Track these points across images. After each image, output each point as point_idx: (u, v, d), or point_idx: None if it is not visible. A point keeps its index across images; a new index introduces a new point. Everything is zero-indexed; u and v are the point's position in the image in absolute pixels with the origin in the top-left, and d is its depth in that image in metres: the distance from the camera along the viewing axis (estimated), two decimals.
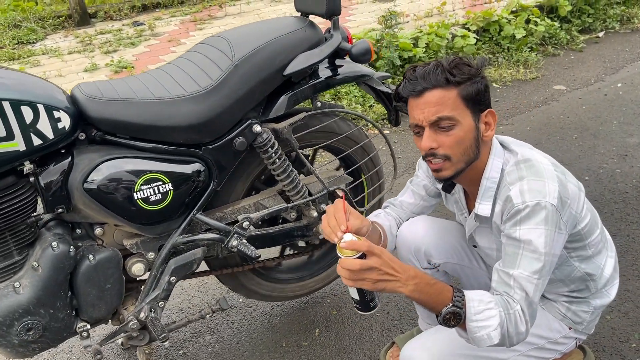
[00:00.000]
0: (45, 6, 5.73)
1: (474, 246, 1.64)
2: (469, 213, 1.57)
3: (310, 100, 1.83)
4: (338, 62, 1.88)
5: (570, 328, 1.57)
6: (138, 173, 1.56)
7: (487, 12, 5.01)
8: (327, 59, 1.84)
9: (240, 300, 2.31)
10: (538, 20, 5.24)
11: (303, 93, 1.78)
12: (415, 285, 1.20)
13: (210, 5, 6.15)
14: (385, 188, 2.15)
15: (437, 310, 1.24)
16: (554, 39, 5.30)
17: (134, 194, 1.55)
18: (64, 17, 5.40)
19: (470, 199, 1.57)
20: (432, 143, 1.34)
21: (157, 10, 6.00)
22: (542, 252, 1.29)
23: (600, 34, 5.61)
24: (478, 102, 1.33)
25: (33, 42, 4.89)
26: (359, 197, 2.04)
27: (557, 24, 5.38)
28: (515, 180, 1.35)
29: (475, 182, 1.44)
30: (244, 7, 6.09)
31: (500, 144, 1.45)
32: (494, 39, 5.05)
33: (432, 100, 1.31)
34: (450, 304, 1.22)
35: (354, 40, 1.88)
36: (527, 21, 5.24)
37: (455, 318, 1.23)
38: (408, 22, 5.23)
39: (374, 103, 3.98)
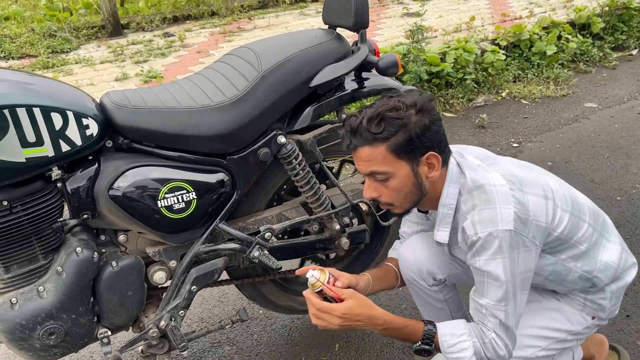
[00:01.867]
0: (80, 17, 5.87)
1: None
2: None
3: (335, 113, 1.82)
4: (365, 75, 1.87)
5: (593, 317, 1.55)
6: (162, 181, 1.57)
7: (518, 28, 4.95)
8: (353, 72, 1.84)
9: (261, 312, 2.30)
10: (570, 36, 5.17)
11: (329, 105, 1.77)
12: (384, 331, 1.39)
13: (240, 18, 6.23)
14: None
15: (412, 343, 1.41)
16: (585, 55, 5.22)
17: (158, 201, 1.56)
18: (97, 28, 5.52)
19: None
20: (372, 193, 1.39)
21: (187, 22, 6.10)
22: (502, 280, 1.32)
23: (634, 52, 5.50)
24: (412, 150, 1.32)
25: (67, 52, 5.00)
26: (383, 211, 2.01)
27: (589, 40, 5.30)
28: (469, 209, 1.36)
29: (436, 207, 1.46)
30: (273, 20, 6.15)
31: (458, 164, 1.42)
32: (524, 54, 4.99)
33: (362, 156, 1.35)
34: (419, 342, 1.38)
35: (381, 54, 1.87)
36: (559, 37, 5.17)
37: (426, 352, 1.39)
38: (436, 36, 5.21)
39: None
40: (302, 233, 1.96)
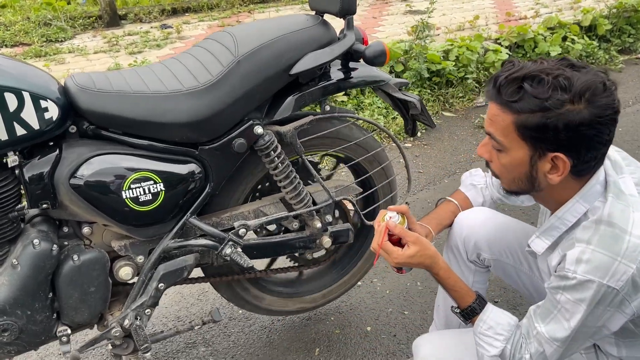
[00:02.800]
0: (78, 6, 5.79)
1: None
2: None
3: (319, 104, 1.71)
4: (352, 64, 1.76)
5: None
6: (128, 171, 1.46)
7: (522, 28, 4.84)
8: (340, 61, 1.73)
9: (240, 312, 2.20)
10: (575, 38, 5.04)
11: (311, 95, 1.66)
12: (437, 278, 1.35)
13: (240, 12, 6.14)
14: (399, 202, 2.01)
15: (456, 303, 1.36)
16: (591, 58, 5.10)
17: (123, 192, 1.46)
18: (94, 18, 5.44)
19: None
20: (484, 153, 1.23)
21: (186, 14, 6.01)
22: (573, 327, 1.14)
23: None
24: (541, 140, 1.09)
25: (61, 41, 4.92)
26: (368, 209, 1.90)
27: (595, 42, 5.17)
28: (584, 240, 1.11)
29: (551, 208, 1.26)
30: (273, 14, 6.05)
31: (606, 183, 1.15)
32: (528, 55, 4.87)
33: (490, 113, 1.16)
34: (459, 309, 1.34)
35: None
36: (564, 39, 5.04)
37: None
38: (439, 34, 5.10)
39: (397, 115, 3.84)
40: (282, 231, 1.85)
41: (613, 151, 1.21)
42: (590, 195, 1.15)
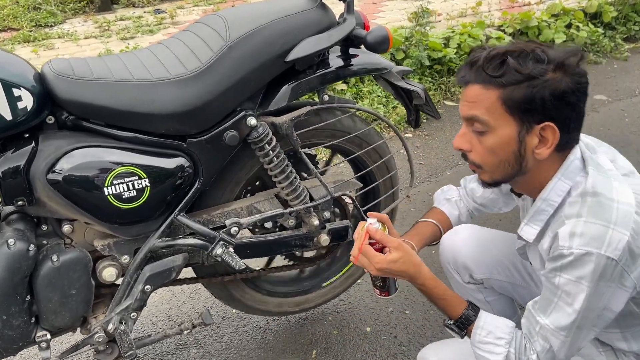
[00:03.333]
0: None
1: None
2: None
3: (317, 93, 1.60)
4: (352, 51, 1.64)
5: None
6: (110, 165, 1.35)
7: (526, 15, 4.70)
8: (339, 47, 1.62)
9: (234, 312, 2.10)
10: (580, 25, 4.91)
11: (309, 84, 1.55)
12: (422, 291, 1.24)
13: None
14: (400, 196, 1.91)
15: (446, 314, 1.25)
16: (596, 45, 4.96)
17: (105, 188, 1.35)
18: (85, 2, 5.28)
19: None
20: (463, 144, 1.16)
21: None
22: (577, 309, 1.07)
23: None
24: (528, 111, 1.07)
25: (51, 26, 4.77)
26: (370, 205, 1.80)
27: (600, 30, 5.04)
28: (573, 215, 1.09)
29: (533, 194, 1.21)
30: None
31: (583, 158, 1.14)
32: None
33: (469, 95, 1.12)
34: (452, 321, 1.22)
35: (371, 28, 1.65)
36: (569, 26, 4.91)
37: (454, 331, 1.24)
38: (440, 21, 4.96)
39: (397, 104, 3.73)
40: (277, 228, 1.75)
41: (583, 136, 1.19)
42: (571, 172, 1.14)
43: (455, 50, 4.15)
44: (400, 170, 2.04)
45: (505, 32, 4.61)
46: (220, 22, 1.47)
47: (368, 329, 2.00)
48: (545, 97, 1.05)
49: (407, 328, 2.00)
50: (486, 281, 1.50)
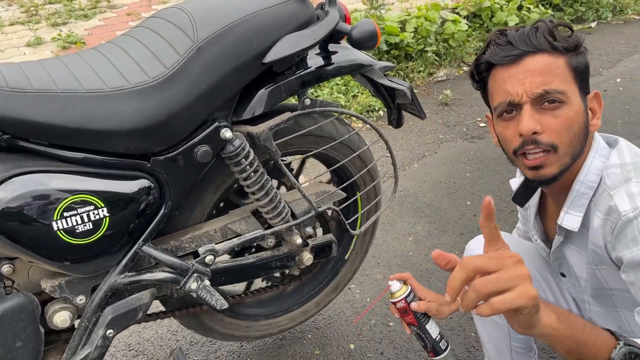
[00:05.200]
0: None
1: (562, 275, 1.29)
2: (541, 235, 1.28)
3: (297, 97, 1.41)
4: (332, 47, 1.46)
5: None
6: (58, 194, 1.12)
7: None
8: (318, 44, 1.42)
9: None
10: (531, 7, 4.90)
11: (288, 87, 1.36)
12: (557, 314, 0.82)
13: None
14: (383, 206, 1.75)
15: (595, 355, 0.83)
16: None
17: (54, 223, 1.12)
18: None
19: (547, 216, 1.26)
20: (535, 124, 1.02)
21: None
22: None
23: (593, 24, 5.32)
24: (585, 79, 1.07)
25: None
26: (352, 219, 1.64)
27: (550, 12, 5.05)
28: (619, 183, 1.03)
29: (565, 188, 1.11)
30: None
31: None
32: (485, 25, 4.69)
33: (536, 68, 1.02)
34: (621, 344, 0.82)
35: (352, 21, 1.46)
36: (519, 8, 4.89)
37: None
38: (394, 3, 4.82)
39: (358, 92, 3.57)
40: (254, 249, 1.56)
41: None
42: (602, 148, 1.09)
43: (412, 34, 4.03)
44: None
45: (459, 15, 4.52)
46: (184, 18, 1.24)
47: (352, 346, 1.86)
48: (588, 66, 1.07)
49: (393, 342, 1.87)
50: None
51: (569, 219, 1.11)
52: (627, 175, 1.03)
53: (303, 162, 1.75)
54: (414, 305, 1.08)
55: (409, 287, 1.10)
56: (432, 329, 1.15)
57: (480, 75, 1.12)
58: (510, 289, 0.74)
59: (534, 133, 1.02)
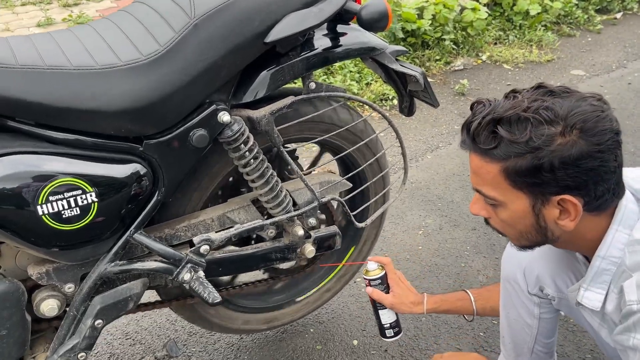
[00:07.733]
0: None
1: None
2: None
3: (301, 80, 1.33)
4: (340, 28, 1.38)
5: None
6: (45, 177, 1.06)
7: None
8: (326, 24, 1.34)
9: None
10: None
11: (292, 69, 1.28)
12: None
13: None
14: (391, 197, 1.67)
15: None
16: (569, 17, 4.82)
17: (38, 207, 1.06)
18: None
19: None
20: (480, 211, 1.06)
21: None
22: None
23: (618, 15, 5.15)
24: (539, 184, 0.93)
25: None
26: (358, 210, 1.56)
27: (574, 1, 4.89)
28: (638, 265, 0.93)
29: (586, 251, 1.03)
30: None
31: (635, 198, 0.98)
32: (505, 14, 4.55)
33: (471, 165, 1.01)
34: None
35: (363, 1, 1.38)
36: None
37: None
38: None
39: (372, 80, 3.47)
40: (253, 240, 1.49)
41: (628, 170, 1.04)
42: (629, 218, 0.97)
43: (430, 22, 3.92)
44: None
45: (479, 2, 4.39)
46: None
47: (355, 342, 1.79)
48: (555, 167, 0.90)
49: (397, 340, 1.79)
50: (558, 300, 1.28)
51: (590, 296, 1.02)
52: None
53: (321, 152, 1.65)
54: (368, 290, 1.29)
55: (382, 273, 1.28)
56: (385, 315, 1.41)
57: None
58: None
59: (482, 216, 1.04)
